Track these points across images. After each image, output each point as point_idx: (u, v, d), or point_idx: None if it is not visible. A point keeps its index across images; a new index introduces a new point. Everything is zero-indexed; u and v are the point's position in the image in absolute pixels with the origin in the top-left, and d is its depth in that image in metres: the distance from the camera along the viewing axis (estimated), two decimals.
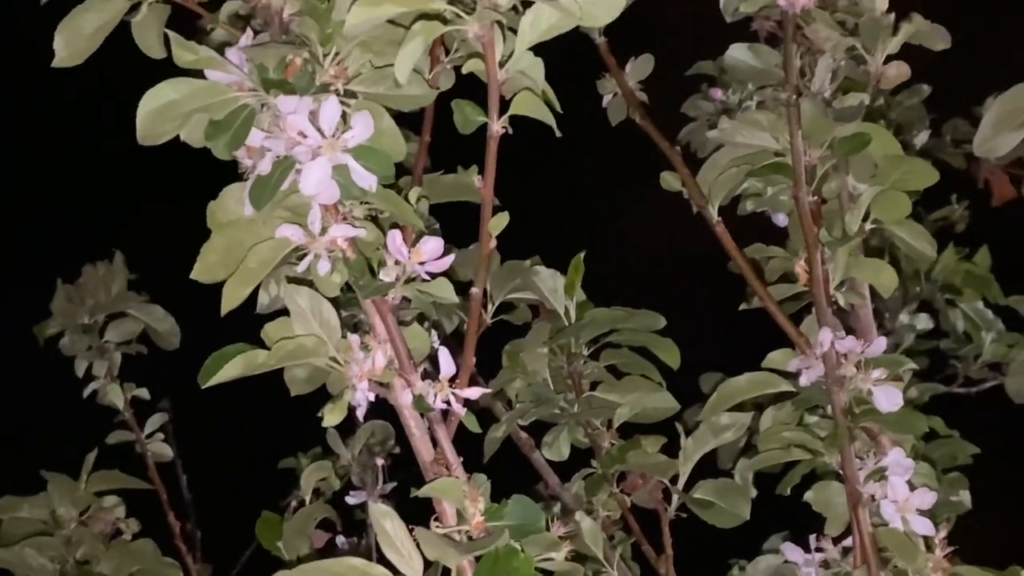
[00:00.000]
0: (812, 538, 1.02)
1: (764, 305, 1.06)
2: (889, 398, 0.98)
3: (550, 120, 0.74)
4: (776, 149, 1.07)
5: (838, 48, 1.08)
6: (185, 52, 0.74)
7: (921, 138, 1.84)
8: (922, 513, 0.97)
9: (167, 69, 0.78)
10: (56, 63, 0.82)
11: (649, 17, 1.19)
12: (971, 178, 1.86)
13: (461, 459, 0.81)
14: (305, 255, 0.77)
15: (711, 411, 1.08)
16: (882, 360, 1.00)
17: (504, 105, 0.75)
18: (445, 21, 0.71)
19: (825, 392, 1.01)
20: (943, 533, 0.97)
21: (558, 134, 0.74)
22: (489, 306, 1.22)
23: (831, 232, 1.06)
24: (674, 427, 1.14)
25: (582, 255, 1.18)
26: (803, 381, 1.02)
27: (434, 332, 0.86)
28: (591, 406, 1.17)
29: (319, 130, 0.73)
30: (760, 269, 1.12)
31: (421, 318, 0.90)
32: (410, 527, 0.75)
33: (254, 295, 0.85)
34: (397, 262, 0.77)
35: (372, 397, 0.78)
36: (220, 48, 0.78)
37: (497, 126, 0.73)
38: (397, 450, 1.47)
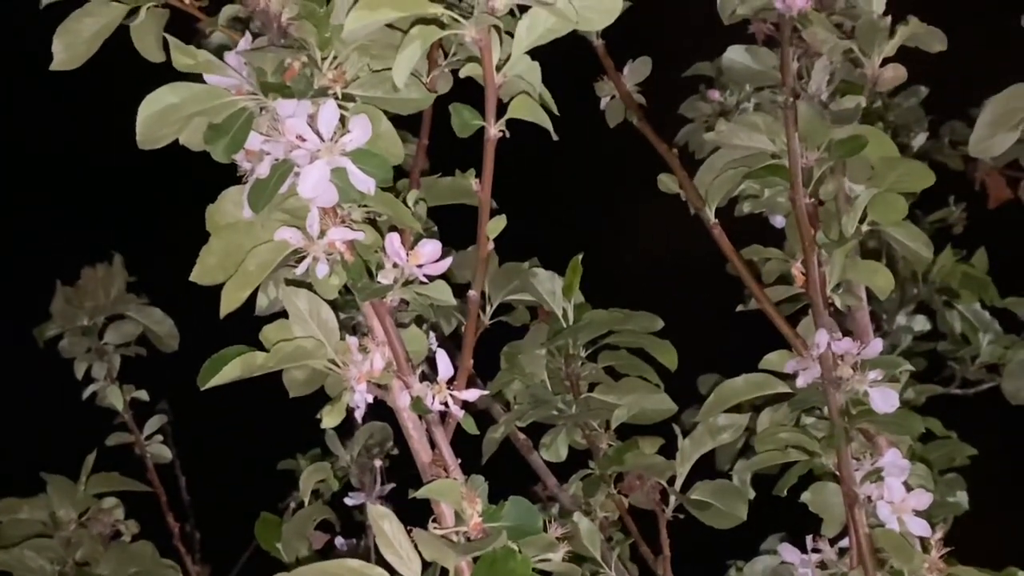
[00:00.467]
0: (809, 539, 1.03)
1: (761, 307, 1.06)
2: (885, 399, 0.98)
3: (547, 124, 0.75)
4: (773, 151, 1.08)
5: (835, 51, 1.09)
6: (184, 56, 0.74)
7: (919, 140, 1.84)
8: (918, 514, 0.98)
9: (168, 72, 0.78)
10: (55, 66, 0.82)
11: (647, 19, 1.19)
12: (968, 180, 1.87)
13: (459, 460, 0.82)
14: (304, 258, 0.77)
15: (708, 412, 1.08)
16: (878, 361, 1.00)
17: (501, 108, 0.76)
18: (442, 26, 0.71)
19: (822, 393, 1.01)
20: (939, 534, 0.97)
21: (555, 138, 0.75)
22: (488, 308, 1.23)
23: (828, 234, 1.06)
24: (672, 428, 1.15)
25: (580, 257, 1.18)
26: (800, 382, 1.02)
27: (432, 334, 0.87)
28: (589, 407, 1.18)
29: (317, 133, 0.74)
30: (757, 271, 1.13)
31: (419, 320, 0.90)
32: (408, 528, 0.75)
33: (253, 297, 0.86)
34: (395, 265, 0.77)
35: (370, 399, 0.78)
36: (219, 51, 0.79)
37: (494, 130, 0.74)
38: (396, 451, 1.48)
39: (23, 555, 1.26)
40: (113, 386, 1.52)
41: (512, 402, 1.24)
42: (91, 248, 1.58)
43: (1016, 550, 1.23)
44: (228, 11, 0.80)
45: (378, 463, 1.32)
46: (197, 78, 0.77)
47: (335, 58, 0.76)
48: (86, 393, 1.53)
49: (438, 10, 0.70)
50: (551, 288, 1.19)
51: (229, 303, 0.77)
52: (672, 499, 1.13)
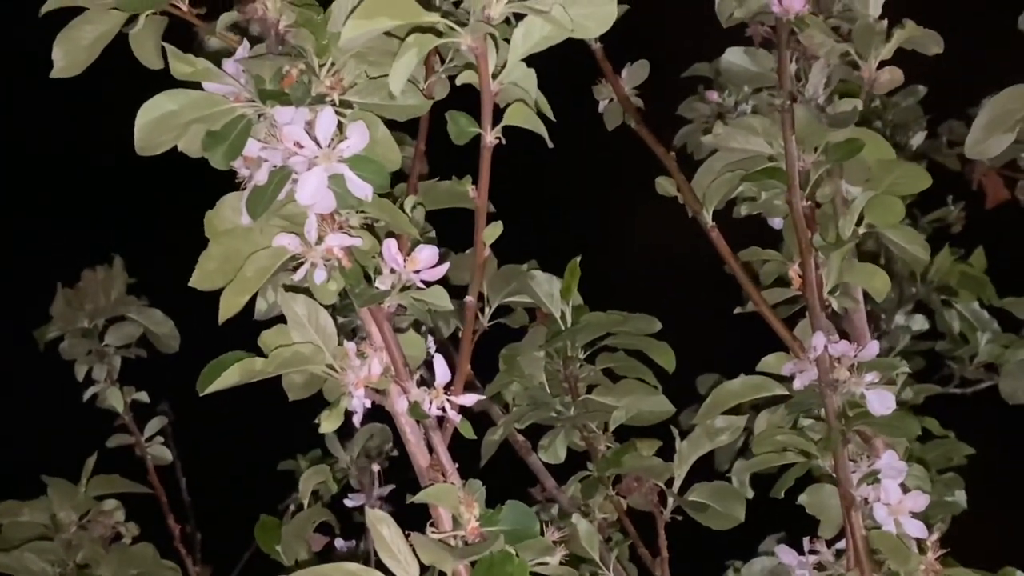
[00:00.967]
0: (806, 540, 1.03)
1: (758, 309, 1.07)
2: (882, 401, 0.99)
3: (542, 131, 0.75)
4: (770, 154, 1.08)
5: (832, 54, 1.09)
6: (182, 64, 0.75)
7: (917, 139, 1.85)
8: (915, 516, 0.98)
9: (170, 76, 0.78)
10: (55, 73, 0.83)
11: (646, 22, 1.19)
12: (966, 180, 1.87)
13: (458, 464, 0.82)
14: (302, 264, 0.77)
15: (706, 414, 1.08)
16: (875, 363, 1.00)
17: (498, 115, 0.76)
18: (439, 34, 0.72)
19: (819, 396, 1.01)
20: (936, 535, 0.97)
21: (550, 145, 0.75)
22: (486, 310, 1.23)
23: (825, 237, 1.07)
24: (670, 430, 1.15)
25: (578, 259, 1.18)
26: (797, 385, 1.03)
27: (430, 338, 0.87)
28: (587, 409, 1.18)
29: (315, 140, 0.74)
30: (755, 273, 1.13)
31: (417, 325, 0.90)
32: (406, 532, 0.76)
33: (253, 301, 0.86)
34: (392, 270, 0.78)
35: (368, 404, 0.79)
36: (218, 57, 0.79)
37: (490, 137, 0.74)
38: (395, 453, 1.48)
39: (24, 557, 1.26)
40: (114, 388, 1.52)
41: (511, 404, 1.24)
42: (91, 250, 1.58)
43: (1014, 549, 1.23)
44: (226, 18, 0.80)
45: (376, 467, 1.33)
46: (196, 85, 0.77)
47: (332, 65, 0.77)
48: (87, 395, 1.53)
49: (434, 18, 0.71)
50: (549, 290, 1.19)
51: (228, 308, 0.77)
52: (670, 501, 1.14)
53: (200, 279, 0.79)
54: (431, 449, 0.80)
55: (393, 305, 0.79)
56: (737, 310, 1.11)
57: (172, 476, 1.68)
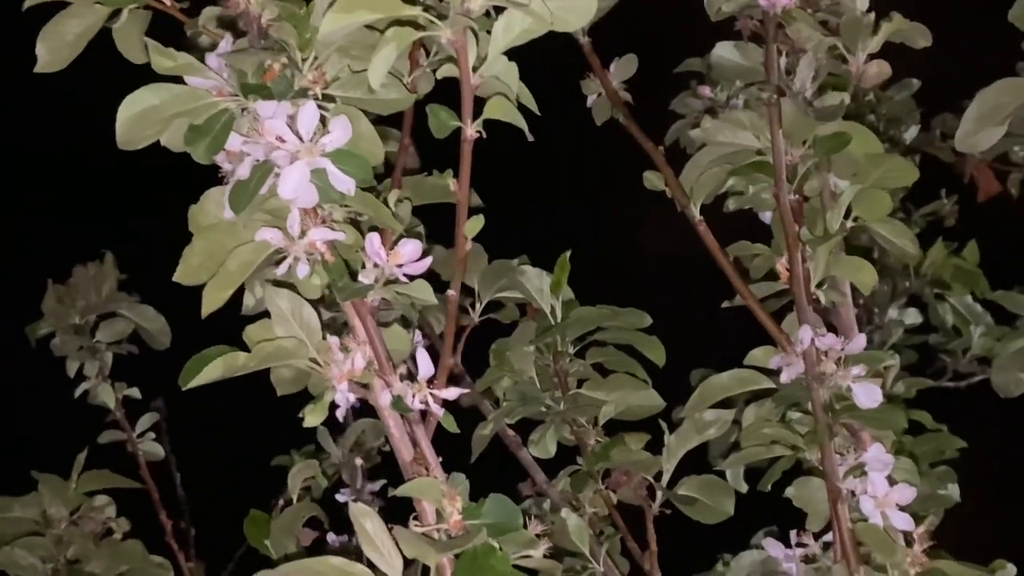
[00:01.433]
0: (793, 533, 1.03)
1: (746, 303, 1.07)
2: (868, 394, 0.99)
3: (523, 125, 0.75)
4: (758, 148, 1.08)
5: (819, 48, 1.09)
6: (163, 58, 0.75)
7: (911, 133, 1.85)
8: (902, 508, 0.98)
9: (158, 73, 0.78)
10: (39, 68, 0.83)
11: (637, 16, 1.19)
12: (958, 173, 1.87)
13: (449, 459, 0.82)
14: (285, 258, 0.77)
15: (693, 409, 1.08)
16: (862, 357, 1.00)
17: (481, 109, 0.76)
18: (419, 27, 0.72)
19: (806, 389, 1.02)
20: (922, 528, 0.97)
21: (530, 138, 0.75)
22: (477, 305, 1.23)
23: (812, 230, 1.07)
24: (659, 425, 1.15)
25: (568, 254, 1.18)
26: (784, 378, 1.03)
27: (418, 333, 0.87)
28: (577, 404, 1.18)
29: (297, 134, 0.74)
30: (744, 267, 1.13)
31: (406, 321, 0.90)
32: (390, 526, 0.76)
33: (241, 295, 0.86)
34: (376, 265, 0.78)
35: (352, 398, 0.79)
36: (207, 52, 0.79)
37: (471, 130, 0.74)
38: (388, 448, 1.48)
39: (14, 553, 1.26)
40: (105, 384, 1.52)
41: (501, 399, 1.24)
42: (82, 246, 1.58)
43: (1007, 542, 1.23)
44: (208, 13, 0.80)
45: (359, 461, 1.33)
46: (179, 79, 0.77)
47: (315, 59, 0.77)
48: (78, 391, 1.53)
49: (414, 11, 0.71)
50: (539, 285, 1.19)
51: (211, 303, 0.77)
52: (659, 495, 1.14)
53: (184, 274, 0.79)
54: (415, 443, 0.80)
55: (377, 299, 0.79)
56: (725, 304, 1.11)
57: (166, 472, 1.68)
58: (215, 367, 0.75)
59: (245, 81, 0.76)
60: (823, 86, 1.13)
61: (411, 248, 0.77)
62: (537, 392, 1.19)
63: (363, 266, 0.78)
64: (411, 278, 0.79)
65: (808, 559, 1.03)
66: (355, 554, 0.78)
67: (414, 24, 0.72)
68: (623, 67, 1.21)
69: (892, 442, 1.05)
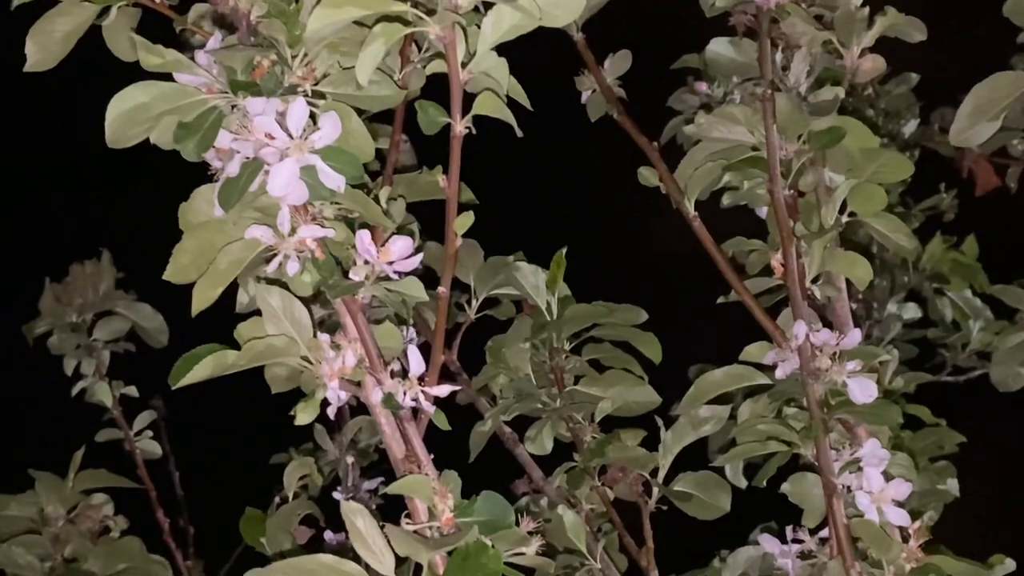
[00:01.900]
0: (789, 529, 1.03)
1: (741, 298, 1.07)
2: (863, 389, 0.99)
3: (512, 120, 0.75)
4: (752, 143, 1.08)
5: (813, 42, 1.09)
6: (151, 55, 0.75)
7: (910, 127, 1.85)
8: (898, 503, 0.98)
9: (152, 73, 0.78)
10: (28, 67, 0.82)
11: (632, 12, 1.19)
12: (955, 167, 1.87)
13: (443, 456, 0.82)
14: (275, 256, 0.77)
15: (689, 405, 1.08)
16: (857, 352, 1.00)
17: (471, 104, 0.76)
18: (406, 23, 0.71)
19: (801, 384, 1.01)
20: (918, 523, 0.97)
21: (519, 134, 0.75)
22: (473, 302, 1.23)
23: (808, 225, 1.07)
24: (656, 422, 1.15)
25: (564, 251, 1.18)
26: (779, 374, 1.02)
27: (411, 330, 0.87)
28: (573, 400, 1.18)
29: (287, 131, 0.74)
30: (739, 263, 1.13)
31: (399, 319, 0.90)
32: (382, 524, 0.76)
33: (235, 294, 0.86)
34: (366, 262, 0.78)
35: (343, 396, 0.79)
36: (196, 50, 0.79)
37: (460, 126, 0.74)
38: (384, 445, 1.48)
39: (12, 552, 1.26)
40: (102, 382, 1.52)
41: (498, 396, 1.24)
42: (79, 245, 1.58)
43: (1006, 537, 1.23)
44: (197, 10, 0.80)
45: (350, 459, 1.32)
46: (168, 76, 0.77)
47: (305, 56, 0.77)
48: (75, 389, 1.53)
49: (402, 7, 0.70)
50: (535, 282, 1.19)
51: (201, 301, 0.77)
52: (655, 491, 1.14)
53: (174, 272, 0.79)
54: (407, 441, 0.80)
55: (368, 297, 0.79)
56: (721, 300, 1.10)
57: (164, 470, 1.68)
58: (204, 366, 0.75)
59: (234, 78, 0.76)
60: (818, 81, 1.12)
61: (402, 245, 0.77)
62: (533, 389, 1.19)
63: (354, 263, 0.78)
64: (402, 275, 0.78)
65: (804, 555, 1.03)
66: (351, 552, 0.78)
67: (402, 20, 0.71)
68: (617, 63, 1.20)
69: (889, 437, 1.04)
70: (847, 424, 1.03)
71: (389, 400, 0.78)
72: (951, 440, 1.45)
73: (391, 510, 0.81)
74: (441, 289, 0.80)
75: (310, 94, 0.76)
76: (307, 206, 0.77)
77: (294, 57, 0.77)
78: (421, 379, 0.78)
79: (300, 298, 0.80)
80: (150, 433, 1.54)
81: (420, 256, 0.77)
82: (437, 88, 0.82)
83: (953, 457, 1.45)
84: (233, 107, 0.76)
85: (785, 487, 1.03)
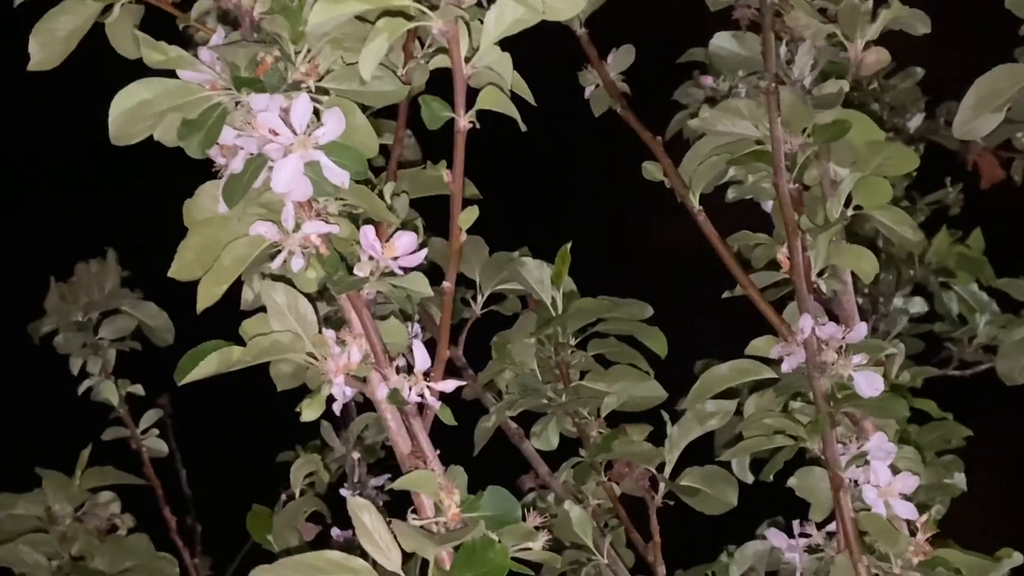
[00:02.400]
0: (796, 524, 1.03)
1: (746, 292, 1.06)
2: (870, 383, 0.98)
3: (515, 115, 0.75)
4: (757, 137, 1.08)
5: (817, 35, 1.09)
6: (154, 52, 0.75)
7: (915, 121, 1.84)
8: (905, 497, 0.98)
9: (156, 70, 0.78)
10: (32, 67, 0.82)
11: (635, 6, 1.19)
12: (961, 161, 1.86)
13: (449, 452, 0.82)
14: (280, 252, 0.77)
15: (695, 399, 1.08)
16: (863, 346, 1.00)
17: (473, 99, 0.76)
18: (409, 18, 0.71)
19: (807, 378, 1.01)
20: (925, 517, 0.97)
21: (523, 128, 0.75)
22: (479, 297, 1.23)
23: (813, 219, 1.06)
24: (662, 417, 1.15)
25: (569, 245, 1.18)
26: (785, 367, 1.02)
27: (416, 326, 0.87)
28: (579, 395, 1.18)
29: (291, 127, 0.74)
30: (745, 257, 1.13)
31: (404, 315, 0.90)
32: (388, 520, 0.76)
33: (239, 289, 0.86)
34: (371, 257, 0.78)
35: (349, 391, 0.78)
36: (199, 47, 0.79)
37: (464, 121, 0.74)
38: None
39: (19, 550, 1.26)
40: (108, 381, 1.52)
41: (503, 391, 1.24)
42: (84, 243, 1.58)
43: (1013, 531, 1.23)
44: (200, 6, 0.80)
45: (356, 455, 1.32)
46: (172, 73, 0.77)
47: (308, 52, 0.77)
48: (82, 388, 1.53)
49: (405, 2, 0.70)
50: (540, 277, 1.19)
51: (206, 298, 0.77)
52: (661, 486, 1.14)
53: (179, 269, 0.79)
54: (413, 436, 0.80)
55: (372, 292, 0.79)
56: (726, 294, 1.10)
57: (171, 468, 1.68)
58: (210, 363, 0.75)
59: (238, 74, 0.76)
60: (822, 75, 1.12)
61: (406, 240, 0.77)
62: (539, 384, 1.19)
63: (358, 259, 0.78)
64: (407, 270, 0.78)
65: (811, 549, 1.03)
66: (359, 549, 0.78)
67: (405, 15, 0.71)
68: (620, 58, 1.20)
69: (895, 431, 1.04)
70: (853, 418, 1.03)
71: (395, 396, 0.78)
72: (958, 434, 1.44)
73: (398, 507, 0.81)
74: (446, 284, 0.80)
75: (313, 90, 0.76)
76: (311, 202, 0.77)
77: (297, 53, 0.76)
78: (427, 375, 0.78)
79: (305, 294, 0.80)
80: (156, 431, 1.54)
81: (425, 251, 0.77)
82: (440, 84, 0.82)
83: (960, 451, 1.44)
84: (237, 104, 0.76)
85: (792, 481, 1.03)
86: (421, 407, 0.79)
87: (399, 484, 0.76)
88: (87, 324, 1.54)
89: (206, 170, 0.81)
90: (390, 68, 0.80)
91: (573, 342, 1.20)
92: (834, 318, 1.07)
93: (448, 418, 0.79)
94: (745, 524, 1.26)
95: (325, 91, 0.77)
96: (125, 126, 0.75)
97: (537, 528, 0.77)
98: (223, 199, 0.75)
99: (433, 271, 0.84)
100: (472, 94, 0.76)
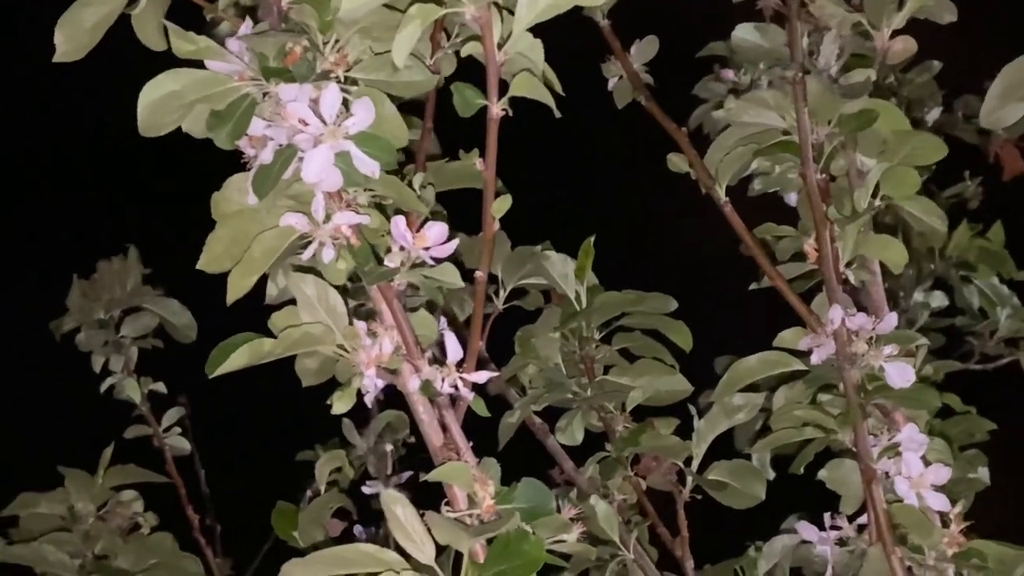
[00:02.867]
0: (827, 516, 1.02)
1: (774, 283, 1.05)
2: (901, 374, 0.98)
3: (549, 101, 0.74)
4: (783, 127, 1.07)
5: (843, 24, 1.08)
6: (183, 42, 0.74)
7: (933, 115, 1.83)
8: (937, 488, 0.97)
9: (185, 62, 0.77)
10: (57, 58, 0.82)
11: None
12: (982, 153, 1.85)
13: (473, 448, 0.81)
14: (309, 243, 0.77)
15: (723, 392, 1.07)
16: (893, 336, 0.99)
17: (505, 88, 0.75)
18: (441, 3, 0.71)
19: (836, 370, 1.00)
20: (958, 508, 0.96)
21: (557, 115, 0.74)
22: (501, 292, 1.22)
23: (840, 210, 1.05)
24: (688, 411, 1.14)
25: (592, 239, 1.17)
26: (814, 359, 1.01)
27: (443, 319, 0.86)
28: (604, 390, 1.17)
29: (320, 117, 0.73)
30: (770, 249, 1.12)
31: (432, 307, 0.90)
32: (421, 512, 0.75)
33: (264, 284, 0.86)
34: (401, 248, 0.77)
35: (380, 384, 0.78)
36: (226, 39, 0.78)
37: (497, 108, 0.73)
38: (412, 439, 1.47)
39: (42, 549, 1.26)
40: (130, 379, 1.51)
41: (527, 387, 1.23)
42: (106, 241, 1.58)
43: None
44: None
45: (389, 447, 1.32)
46: (200, 64, 0.77)
47: (337, 41, 0.76)
48: (104, 386, 1.53)
49: None
50: (563, 271, 1.18)
51: (236, 290, 0.76)
52: (689, 480, 1.13)
53: (208, 262, 0.78)
54: (445, 429, 0.79)
55: (403, 283, 0.78)
56: (753, 286, 1.10)
57: (191, 468, 1.68)
58: (241, 355, 0.75)
59: (266, 64, 0.75)
60: (847, 64, 1.11)
61: (437, 230, 0.76)
62: (563, 379, 1.18)
63: (389, 250, 0.78)
64: (437, 261, 0.78)
65: (842, 542, 1.02)
66: (382, 545, 0.77)
67: (437, 1, 0.71)
68: (644, 49, 1.19)
69: (926, 422, 1.03)
70: (884, 409, 1.02)
71: (427, 387, 0.77)
72: (981, 428, 1.43)
73: (420, 505, 0.81)
74: (478, 273, 0.79)
75: (343, 80, 0.75)
76: (341, 193, 0.77)
77: (326, 43, 0.76)
78: (459, 365, 0.78)
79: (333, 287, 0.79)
80: (179, 429, 1.54)
81: (456, 242, 0.77)
82: (466, 76, 0.81)
83: (983, 445, 1.43)
84: (265, 95, 0.76)
85: (822, 473, 1.02)
86: (453, 399, 0.79)
87: (433, 476, 0.76)
88: (109, 322, 1.53)
89: (227, 168, 0.81)
90: (419, 58, 0.79)
91: (598, 336, 1.19)
92: (862, 309, 1.07)
93: (482, 409, 0.78)
94: (766, 519, 1.25)
95: (354, 81, 0.77)
96: (153, 117, 0.75)
97: (572, 520, 0.76)
98: (253, 190, 0.75)
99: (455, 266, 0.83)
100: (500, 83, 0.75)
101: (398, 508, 0.74)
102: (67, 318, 1.53)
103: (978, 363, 1.78)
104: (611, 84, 1.21)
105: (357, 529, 1.40)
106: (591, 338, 1.18)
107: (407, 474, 1.40)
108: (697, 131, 1.38)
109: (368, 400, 0.79)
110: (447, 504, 0.77)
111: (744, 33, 1.15)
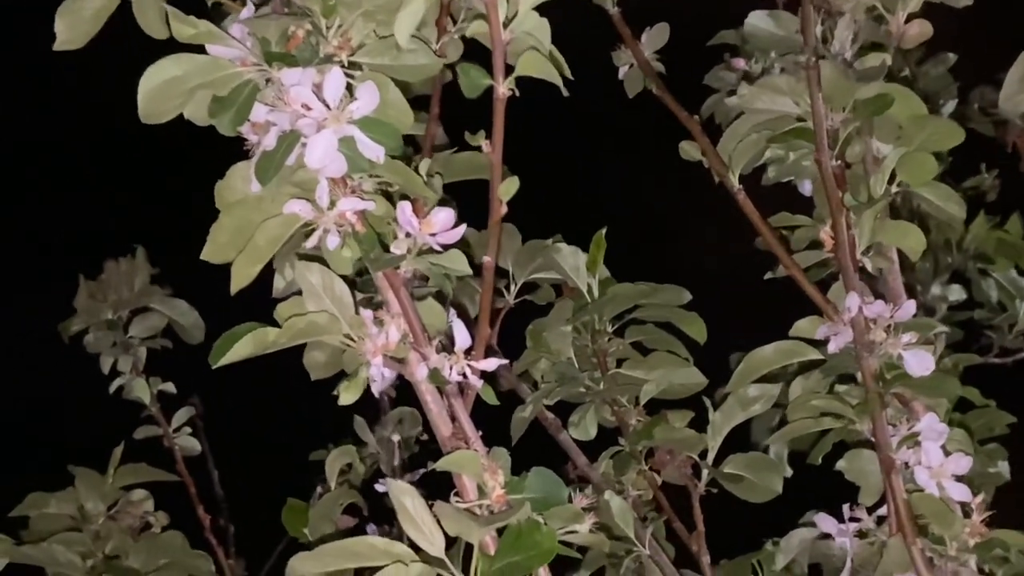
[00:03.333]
0: (846, 508, 1.00)
1: (789, 272, 1.04)
2: (920, 362, 0.96)
3: (557, 80, 0.73)
4: (797, 114, 1.05)
5: (858, 8, 1.06)
6: (184, 26, 0.73)
7: (948, 107, 1.81)
8: (958, 479, 0.95)
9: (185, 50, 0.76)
10: (58, 47, 0.81)
11: None
12: (1000, 144, 1.83)
13: (485, 443, 0.79)
14: (314, 231, 0.75)
15: (738, 383, 1.06)
16: (912, 324, 0.97)
17: (512, 71, 0.73)
18: None
19: (854, 359, 0.98)
20: (980, 498, 0.94)
21: (565, 93, 0.73)
22: (512, 287, 1.21)
23: (856, 196, 1.04)
24: (702, 404, 1.12)
25: (603, 231, 1.16)
26: (831, 348, 1.00)
27: (452, 310, 0.85)
28: (617, 383, 1.16)
29: (323, 102, 0.72)
30: (785, 238, 1.10)
31: (441, 297, 0.88)
32: (430, 503, 0.74)
33: (271, 282, 0.84)
34: (408, 234, 0.76)
35: (387, 373, 0.76)
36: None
37: (503, 88, 0.72)
38: (425, 437, 1.46)
39: (53, 549, 1.25)
40: (139, 379, 1.51)
41: (539, 381, 1.22)
42: (114, 241, 1.57)
43: None
44: None
45: (396, 437, 1.30)
46: (201, 49, 0.75)
47: (340, 25, 0.75)
48: (113, 387, 1.52)
49: None
50: (575, 264, 1.16)
51: (239, 279, 0.75)
52: (704, 473, 1.11)
53: (212, 252, 0.77)
54: (454, 418, 0.78)
55: (409, 270, 0.77)
56: (768, 275, 1.08)
57: (203, 469, 1.67)
58: (245, 344, 0.73)
59: (269, 49, 0.74)
60: (861, 49, 1.10)
61: (444, 216, 0.75)
62: (576, 373, 1.17)
63: (395, 236, 0.76)
64: (445, 247, 0.76)
65: (861, 534, 1.00)
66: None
67: None
68: (655, 37, 1.18)
69: (946, 411, 1.02)
70: (902, 399, 1.01)
71: (435, 375, 0.75)
72: (1001, 421, 1.42)
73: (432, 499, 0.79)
74: (487, 259, 0.78)
75: (346, 64, 0.74)
76: (346, 179, 0.75)
77: (329, 27, 0.75)
78: (467, 353, 0.76)
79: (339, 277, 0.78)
80: (189, 429, 1.53)
81: (463, 228, 0.75)
82: (473, 62, 0.80)
83: (1003, 439, 1.42)
84: (268, 80, 0.75)
85: (841, 464, 1.01)
86: (462, 388, 0.77)
87: (441, 465, 0.74)
88: (117, 322, 1.52)
89: (234, 161, 0.79)
90: (425, 42, 0.78)
91: (610, 329, 1.17)
92: (879, 297, 1.05)
93: (491, 397, 0.77)
94: (783, 513, 1.23)
95: (358, 65, 0.75)
96: (154, 103, 0.74)
97: (584, 510, 0.75)
98: (256, 177, 0.74)
99: None
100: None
101: (407, 499, 0.73)
102: (75, 319, 1.52)
103: (997, 357, 1.76)
104: (622, 73, 1.20)
105: (369, 528, 1.39)
106: (603, 331, 1.17)
107: (421, 471, 1.38)
108: (708, 121, 1.36)
109: (375, 390, 0.77)
110: (456, 495, 0.75)
111: (757, 20, 1.13)
